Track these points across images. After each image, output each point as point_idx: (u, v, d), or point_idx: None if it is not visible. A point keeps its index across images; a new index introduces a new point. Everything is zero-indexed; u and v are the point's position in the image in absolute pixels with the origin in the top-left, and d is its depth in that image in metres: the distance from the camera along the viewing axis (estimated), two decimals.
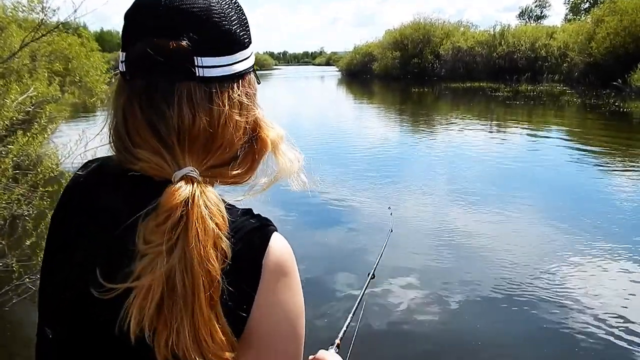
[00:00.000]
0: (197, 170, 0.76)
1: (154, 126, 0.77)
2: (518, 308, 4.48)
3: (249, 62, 0.86)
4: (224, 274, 0.72)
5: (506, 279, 5.00)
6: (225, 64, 0.80)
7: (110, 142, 0.84)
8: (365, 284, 2.56)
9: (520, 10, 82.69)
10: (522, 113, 20.56)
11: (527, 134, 15.07)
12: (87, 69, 9.27)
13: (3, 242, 3.92)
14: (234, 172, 0.84)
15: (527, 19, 78.39)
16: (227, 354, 0.72)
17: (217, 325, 0.71)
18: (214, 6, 0.80)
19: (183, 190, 0.73)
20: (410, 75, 44.79)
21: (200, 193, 0.74)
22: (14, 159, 3.94)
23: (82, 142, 3.89)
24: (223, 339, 0.72)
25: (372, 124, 18.48)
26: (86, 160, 0.91)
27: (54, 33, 6.54)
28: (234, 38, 0.82)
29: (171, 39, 0.76)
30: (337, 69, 73.55)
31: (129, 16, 0.81)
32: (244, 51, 0.84)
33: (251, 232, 0.79)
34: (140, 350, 0.71)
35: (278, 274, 0.79)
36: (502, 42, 39.71)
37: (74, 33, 10.05)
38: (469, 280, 5.00)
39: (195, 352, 0.69)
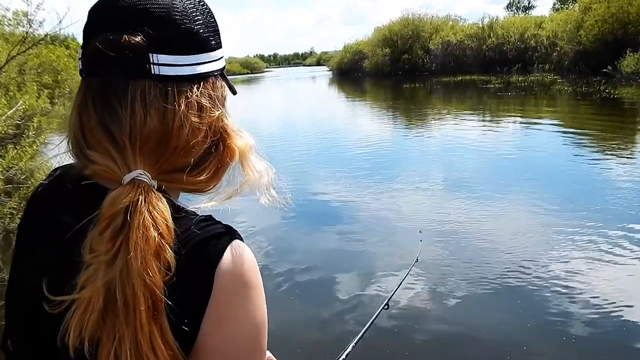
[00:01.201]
0: (148, 174, 0.73)
1: (106, 126, 0.74)
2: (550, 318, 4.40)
3: (215, 65, 0.83)
4: (170, 285, 0.68)
5: (524, 289, 4.92)
6: (184, 63, 0.77)
7: (68, 147, 0.81)
8: (377, 313, 2.47)
9: (508, 2, 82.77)
10: (515, 104, 20.57)
11: (521, 125, 15.09)
12: (77, 80, 9.24)
13: None
14: (196, 179, 0.81)
15: (515, 10, 78.52)
16: None
17: (159, 340, 0.67)
18: (176, 5, 0.78)
19: (126, 196, 0.70)
20: (401, 72, 44.81)
21: (145, 199, 0.70)
22: (5, 172, 3.93)
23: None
24: (166, 354, 0.67)
25: (366, 123, 18.50)
26: (52, 169, 0.89)
27: (41, 45, 6.53)
28: (196, 38, 0.79)
29: (125, 34, 0.73)
30: (328, 69, 73.56)
31: (89, 13, 0.79)
32: (209, 53, 0.82)
33: (205, 241, 0.74)
34: None
35: (234, 284, 0.74)
36: (491, 34, 39.75)
37: (62, 44, 10.04)
38: (491, 300, 4.72)
39: None
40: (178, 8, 0.78)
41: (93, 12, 0.79)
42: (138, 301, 0.66)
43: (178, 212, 0.76)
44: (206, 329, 0.72)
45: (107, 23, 0.75)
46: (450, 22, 48.33)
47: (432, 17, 49.42)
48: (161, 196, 0.73)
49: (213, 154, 0.83)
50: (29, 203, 0.87)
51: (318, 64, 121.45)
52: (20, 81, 6.85)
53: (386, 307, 2.59)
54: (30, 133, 4.16)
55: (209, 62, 0.82)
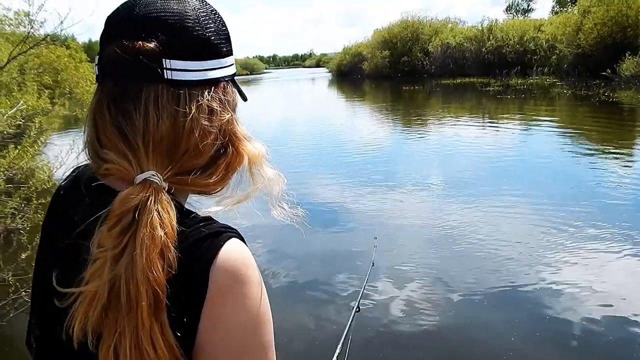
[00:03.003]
0: (159, 176, 0.75)
1: (121, 128, 0.77)
2: (522, 310, 4.44)
3: (226, 71, 0.86)
4: (170, 284, 0.70)
5: (509, 281, 4.93)
6: (196, 68, 0.80)
7: (85, 151, 0.84)
8: (351, 317, 2.48)
9: (507, 5, 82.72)
10: (514, 107, 20.61)
11: (520, 128, 15.12)
12: (76, 80, 9.22)
13: None
14: (205, 181, 0.83)
15: (514, 13, 78.51)
16: None
17: (159, 336, 0.69)
18: (188, 13, 0.80)
19: (136, 195, 0.72)
20: (401, 74, 44.87)
21: (154, 199, 0.72)
22: (6, 172, 3.93)
23: (73, 152, 3.89)
24: (165, 350, 0.69)
25: (364, 125, 18.50)
26: (72, 169, 0.91)
27: (41, 45, 6.52)
28: (207, 45, 0.82)
29: (140, 40, 0.76)
30: (327, 70, 73.62)
31: (105, 22, 0.82)
32: (221, 59, 0.84)
33: (202, 240, 0.75)
34: (83, 357, 0.71)
35: (229, 282, 0.74)
36: (491, 37, 39.78)
37: (62, 45, 10.01)
38: (471, 293, 4.67)
39: None
40: (191, 16, 0.81)
41: (109, 21, 0.82)
42: (140, 297, 0.68)
43: (183, 214, 0.78)
44: (205, 326, 0.73)
45: (122, 31, 0.78)
46: (450, 25, 48.39)
47: (432, 19, 49.56)
48: (170, 198, 0.75)
49: (222, 157, 0.85)
50: (50, 203, 0.90)
51: (317, 65, 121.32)
52: (20, 81, 6.84)
53: (357, 310, 2.60)
54: (32, 133, 4.16)
55: (220, 68, 0.84)
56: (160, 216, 0.72)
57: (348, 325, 2.37)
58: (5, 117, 4.33)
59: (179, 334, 0.71)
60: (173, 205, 0.74)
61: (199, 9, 0.82)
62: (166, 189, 0.76)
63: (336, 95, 38.06)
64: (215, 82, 0.83)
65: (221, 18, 0.86)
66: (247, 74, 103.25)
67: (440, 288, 4.80)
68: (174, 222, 0.73)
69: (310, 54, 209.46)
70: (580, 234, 5.89)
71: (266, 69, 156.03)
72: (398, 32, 47.81)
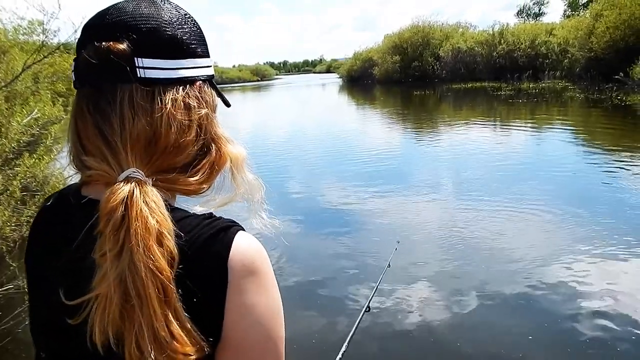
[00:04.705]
0: (141, 172, 0.76)
1: (100, 129, 0.78)
2: (535, 320, 4.39)
3: (201, 72, 0.86)
4: (186, 283, 0.71)
5: (527, 289, 4.89)
6: (169, 67, 0.80)
7: (69, 158, 0.85)
8: (360, 316, 2.47)
9: (518, 9, 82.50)
10: (526, 111, 20.49)
11: (532, 132, 15.03)
12: None
13: (14, 265, 3.94)
14: (190, 180, 0.83)
15: (525, 17, 78.29)
16: (188, 349, 0.71)
17: (174, 322, 0.70)
18: (160, 15, 0.82)
19: (121, 190, 0.72)
20: (412, 79, 44.83)
21: (140, 191, 0.73)
22: (21, 180, 3.96)
23: None
24: (182, 334, 0.70)
25: (375, 130, 18.49)
26: (52, 193, 0.92)
27: (55, 54, 6.58)
28: (180, 44, 0.82)
29: (111, 41, 0.77)
30: (338, 76, 73.67)
31: (82, 29, 0.83)
32: (195, 59, 0.85)
33: (213, 236, 0.76)
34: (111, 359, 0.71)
35: (246, 274, 0.76)
36: (502, 41, 39.67)
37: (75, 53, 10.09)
38: (486, 300, 4.65)
39: (157, 351, 0.69)
40: (163, 17, 0.82)
41: (84, 28, 0.83)
42: (146, 286, 0.69)
43: (178, 211, 0.79)
44: (228, 321, 0.75)
45: (95, 35, 0.79)
46: (461, 29, 48.30)
47: (443, 24, 49.47)
48: (155, 190, 0.76)
49: (206, 156, 0.86)
50: (33, 224, 0.91)
51: (328, 71, 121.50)
52: (34, 90, 6.90)
53: (367, 309, 2.60)
54: (47, 142, 4.19)
55: (195, 68, 0.85)
56: (149, 206, 0.72)
57: (356, 324, 2.37)
58: (20, 125, 4.37)
59: (205, 329, 0.73)
60: (159, 195, 0.75)
61: (170, 11, 0.84)
62: (149, 183, 0.76)
63: (347, 100, 38.03)
64: (190, 81, 0.83)
65: (195, 22, 0.87)
66: (258, 80, 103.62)
67: (456, 293, 4.76)
68: (164, 210, 0.74)
69: (321, 59, 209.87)
70: (595, 238, 5.82)
71: (277, 75, 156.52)
72: (409, 37, 47.78)
